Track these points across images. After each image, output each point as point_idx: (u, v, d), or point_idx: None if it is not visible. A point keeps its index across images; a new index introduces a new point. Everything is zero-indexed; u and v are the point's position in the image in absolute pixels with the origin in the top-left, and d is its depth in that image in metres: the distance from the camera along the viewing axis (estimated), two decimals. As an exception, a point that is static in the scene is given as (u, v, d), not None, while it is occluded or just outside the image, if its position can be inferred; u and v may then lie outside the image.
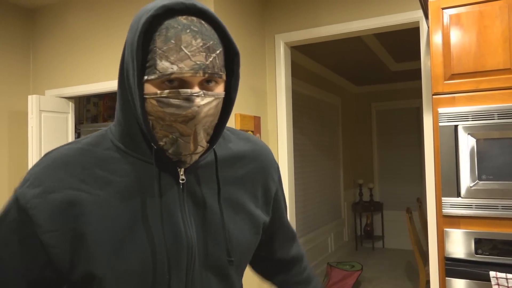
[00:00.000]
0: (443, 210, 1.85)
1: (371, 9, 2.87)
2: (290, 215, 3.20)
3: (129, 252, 0.69)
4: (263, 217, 0.87)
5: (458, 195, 1.83)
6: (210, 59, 0.67)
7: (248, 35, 3.01)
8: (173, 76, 0.66)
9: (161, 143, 0.71)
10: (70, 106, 3.35)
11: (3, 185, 3.24)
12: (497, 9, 1.81)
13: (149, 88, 0.68)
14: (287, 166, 3.19)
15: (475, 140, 1.81)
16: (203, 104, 0.68)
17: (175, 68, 0.66)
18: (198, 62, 0.66)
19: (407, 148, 6.38)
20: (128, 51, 0.70)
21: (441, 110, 1.87)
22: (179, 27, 0.66)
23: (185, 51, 0.66)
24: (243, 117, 2.81)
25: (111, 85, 3.06)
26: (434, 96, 1.90)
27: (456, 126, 1.84)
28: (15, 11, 3.39)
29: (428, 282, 3.60)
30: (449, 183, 1.84)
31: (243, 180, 0.84)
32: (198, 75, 0.66)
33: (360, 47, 4.49)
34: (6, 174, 3.26)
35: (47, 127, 3.13)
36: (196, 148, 0.71)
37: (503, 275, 1.68)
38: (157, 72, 0.66)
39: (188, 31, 0.66)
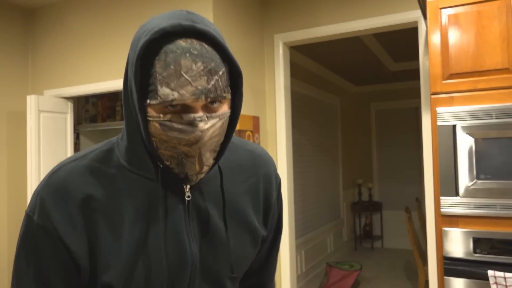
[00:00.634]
0: (441, 209, 1.85)
1: (369, 9, 2.87)
2: (289, 215, 3.20)
3: (136, 270, 0.71)
4: (263, 231, 0.87)
5: (457, 194, 1.83)
6: (212, 82, 0.65)
7: (247, 35, 3.02)
8: (174, 102, 0.64)
9: (167, 163, 0.71)
10: (69, 106, 3.35)
11: (2, 185, 3.24)
12: (495, 9, 1.82)
13: (152, 112, 0.67)
14: (286, 166, 3.19)
15: (473, 139, 1.81)
16: (207, 128, 0.67)
17: (176, 94, 0.64)
18: (199, 87, 0.64)
19: (406, 148, 6.39)
20: (130, 70, 0.69)
21: (439, 109, 1.87)
22: (178, 51, 0.64)
23: (185, 76, 0.64)
24: (242, 117, 2.81)
25: (110, 85, 3.06)
26: (432, 96, 1.90)
27: (454, 126, 1.85)
28: (14, 11, 3.39)
29: (427, 281, 3.60)
30: (448, 183, 1.85)
31: (246, 192, 0.84)
32: (200, 100, 0.65)
33: (359, 47, 4.50)
34: (5, 175, 3.26)
35: (46, 127, 3.13)
36: (202, 168, 0.71)
37: (501, 274, 1.69)
38: (159, 98, 0.65)
39: (187, 55, 0.64)
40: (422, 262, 3.60)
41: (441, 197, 1.86)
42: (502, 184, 1.76)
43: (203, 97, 0.65)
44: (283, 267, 3.20)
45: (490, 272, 1.71)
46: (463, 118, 1.83)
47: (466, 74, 1.86)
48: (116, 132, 4.05)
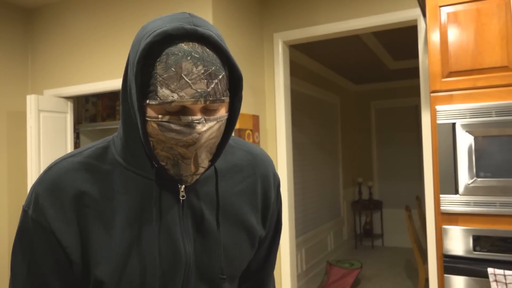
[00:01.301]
0: (441, 207, 1.86)
1: (369, 8, 2.87)
2: (289, 214, 3.21)
3: (128, 268, 0.71)
4: (261, 231, 0.87)
5: (456, 192, 1.84)
6: (212, 86, 0.66)
7: (246, 33, 3.02)
8: (173, 104, 0.65)
9: (162, 163, 0.71)
10: (69, 106, 3.35)
11: (2, 185, 3.24)
12: (495, 7, 1.82)
13: (150, 112, 0.68)
14: (286, 165, 3.19)
15: (473, 137, 1.82)
16: (204, 130, 0.68)
17: (175, 96, 0.65)
18: (199, 90, 0.65)
19: (406, 146, 6.39)
20: (130, 70, 0.69)
21: (439, 107, 1.87)
22: (179, 54, 0.65)
23: (186, 79, 0.65)
24: (241, 116, 2.81)
25: (109, 84, 3.06)
26: (432, 94, 1.91)
27: (454, 124, 1.85)
28: (14, 11, 3.39)
29: (427, 279, 3.61)
30: (447, 181, 1.85)
31: (243, 192, 0.84)
32: (199, 103, 0.66)
33: (359, 46, 4.50)
34: (5, 174, 3.26)
35: (46, 127, 3.13)
36: (197, 169, 0.72)
37: (501, 271, 1.69)
38: (158, 98, 0.66)
39: (189, 58, 0.65)
40: (422, 260, 3.60)
41: (441, 195, 1.86)
42: (501, 182, 1.76)
43: (202, 100, 0.66)
44: (283, 265, 3.20)
45: (490, 270, 1.72)
46: (463, 116, 1.83)
47: (465, 72, 1.86)
48: (116, 132, 4.05)
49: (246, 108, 2.94)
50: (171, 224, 0.74)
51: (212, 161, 0.75)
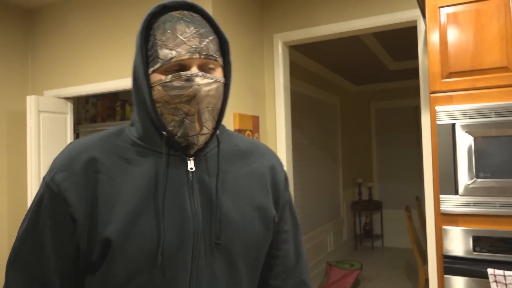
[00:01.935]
0: (441, 208, 1.86)
1: (369, 8, 2.87)
2: (289, 214, 3.20)
3: (137, 233, 0.74)
4: (274, 211, 0.88)
5: (456, 193, 1.84)
6: (204, 43, 0.77)
7: (246, 34, 3.02)
8: (173, 60, 0.75)
9: (170, 128, 0.78)
10: (69, 107, 3.35)
11: (2, 186, 3.24)
12: (494, 8, 1.82)
13: (155, 77, 0.77)
14: (285, 166, 3.19)
15: (472, 138, 1.82)
16: (203, 84, 0.76)
17: (174, 53, 0.75)
18: (193, 46, 0.76)
19: (406, 146, 6.39)
20: (136, 51, 0.79)
21: (438, 108, 1.87)
22: (173, 19, 0.77)
23: (181, 37, 0.76)
24: (241, 116, 2.81)
25: (109, 85, 3.06)
26: (431, 95, 1.91)
27: (453, 125, 1.85)
28: (14, 11, 3.40)
29: (427, 280, 3.61)
30: (447, 181, 1.85)
31: (250, 174, 0.87)
32: (195, 56, 0.76)
33: (359, 46, 4.50)
34: (5, 175, 3.26)
35: (45, 128, 3.13)
36: (201, 128, 0.78)
37: (501, 272, 1.69)
38: (160, 60, 0.76)
39: (181, 22, 0.77)
40: (422, 261, 3.60)
41: (440, 196, 1.86)
42: (501, 182, 1.76)
43: (197, 53, 0.76)
44: (283, 266, 3.20)
45: (490, 270, 1.72)
46: (463, 116, 1.84)
47: (465, 73, 1.86)
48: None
49: (245, 108, 2.94)
50: (180, 194, 0.78)
51: (215, 127, 0.82)
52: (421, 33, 2.71)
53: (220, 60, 0.80)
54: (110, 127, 0.87)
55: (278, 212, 0.91)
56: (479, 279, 1.76)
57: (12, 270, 0.79)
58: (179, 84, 0.75)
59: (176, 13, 0.79)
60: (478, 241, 1.78)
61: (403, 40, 4.47)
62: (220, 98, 0.80)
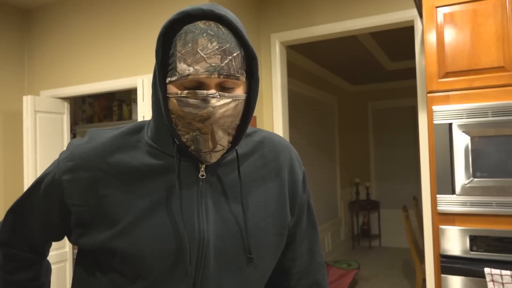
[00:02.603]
0: (438, 207, 1.86)
1: (366, 8, 2.88)
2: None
3: (139, 237, 0.74)
4: (289, 217, 0.86)
5: (453, 192, 1.84)
6: (226, 61, 0.70)
7: (243, 34, 3.01)
8: (189, 77, 0.70)
9: (184, 140, 0.75)
10: (66, 107, 3.34)
11: (-2, 186, 3.23)
12: (491, 8, 1.82)
13: (172, 89, 0.73)
14: (283, 165, 3.19)
15: (469, 137, 1.82)
16: (219, 105, 0.71)
17: (191, 69, 0.70)
18: (213, 64, 0.70)
19: (403, 146, 6.40)
20: (156, 56, 0.75)
21: (435, 108, 1.88)
22: (196, 31, 0.71)
23: (201, 53, 0.70)
24: (239, 116, 2.81)
25: (106, 85, 3.05)
26: (428, 94, 1.91)
27: (450, 124, 1.85)
28: (10, 11, 3.38)
29: (424, 280, 3.61)
30: (444, 181, 1.85)
31: (266, 176, 0.84)
32: (213, 76, 0.70)
33: (356, 46, 4.50)
34: (1, 176, 3.24)
35: (42, 128, 3.12)
36: (215, 146, 0.74)
37: (497, 271, 1.69)
38: (177, 74, 0.71)
39: (204, 35, 0.70)
40: (419, 260, 3.61)
41: (437, 195, 1.86)
42: (498, 182, 1.76)
43: (216, 73, 0.70)
44: (281, 266, 3.20)
45: (487, 270, 1.72)
46: (459, 116, 1.84)
47: (462, 73, 1.86)
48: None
49: (243, 108, 2.93)
50: (188, 201, 0.76)
51: (233, 143, 0.77)
52: (418, 33, 2.71)
53: (242, 78, 0.74)
54: (136, 122, 0.86)
55: (295, 215, 0.89)
56: (476, 278, 1.77)
57: (7, 215, 0.88)
58: (194, 103, 0.71)
59: (201, 24, 0.72)
60: (475, 241, 1.79)
61: (400, 40, 4.47)
62: (238, 114, 0.76)
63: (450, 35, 1.88)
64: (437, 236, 1.86)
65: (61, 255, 3.13)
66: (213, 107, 0.71)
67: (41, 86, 3.38)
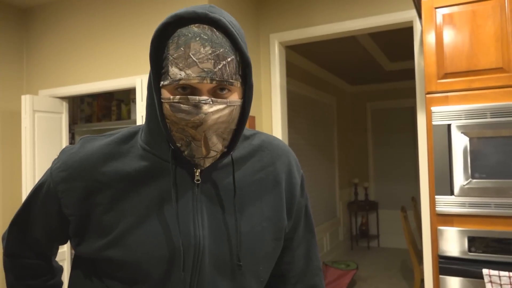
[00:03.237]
0: (436, 208, 1.86)
1: (365, 9, 2.88)
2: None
3: (135, 244, 0.73)
4: (286, 221, 0.85)
5: (452, 193, 1.84)
6: (219, 67, 0.68)
7: (242, 34, 3.01)
8: (181, 82, 0.68)
9: (178, 145, 0.73)
10: (64, 106, 3.34)
11: (-4, 185, 3.22)
12: (490, 9, 1.82)
13: (165, 93, 0.71)
14: (282, 166, 3.19)
15: (468, 138, 1.82)
16: (211, 112, 0.69)
17: (183, 74, 0.67)
18: (205, 69, 0.67)
19: (402, 147, 6.40)
20: (150, 59, 0.74)
21: (434, 109, 1.88)
22: (189, 35, 0.68)
23: (193, 58, 0.67)
24: (237, 116, 2.81)
25: (105, 85, 3.04)
26: (427, 95, 1.91)
27: (449, 125, 1.85)
28: (9, 11, 3.37)
29: (423, 280, 3.61)
30: (443, 182, 1.85)
31: (263, 180, 0.83)
32: (205, 81, 0.68)
33: (355, 47, 4.50)
34: (-1, 175, 3.24)
35: (40, 128, 3.11)
36: (208, 152, 0.73)
37: (495, 272, 1.69)
38: (169, 78, 0.69)
39: (197, 39, 0.68)
40: (417, 261, 3.61)
41: (436, 196, 1.86)
42: (496, 183, 1.76)
43: (208, 79, 0.68)
44: (279, 266, 3.19)
45: (485, 271, 1.72)
46: (458, 117, 1.84)
47: (460, 74, 1.86)
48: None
49: (242, 109, 2.93)
50: (183, 206, 0.75)
51: (229, 148, 0.76)
52: (417, 33, 2.71)
53: (237, 83, 0.71)
54: (132, 126, 0.85)
55: (292, 219, 0.88)
56: (474, 279, 1.77)
57: (10, 227, 0.90)
58: (186, 108, 0.69)
59: (194, 27, 0.69)
60: (473, 242, 1.79)
61: (399, 40, 4.48)
62: (233, 120, 0.73)
63: (449, 36, 1.88)
64: (435, 237, 1.86)
65: (59, 254, 3.12)
66: (205, 114, 0.68)
67: (40, 85, 3.37)
